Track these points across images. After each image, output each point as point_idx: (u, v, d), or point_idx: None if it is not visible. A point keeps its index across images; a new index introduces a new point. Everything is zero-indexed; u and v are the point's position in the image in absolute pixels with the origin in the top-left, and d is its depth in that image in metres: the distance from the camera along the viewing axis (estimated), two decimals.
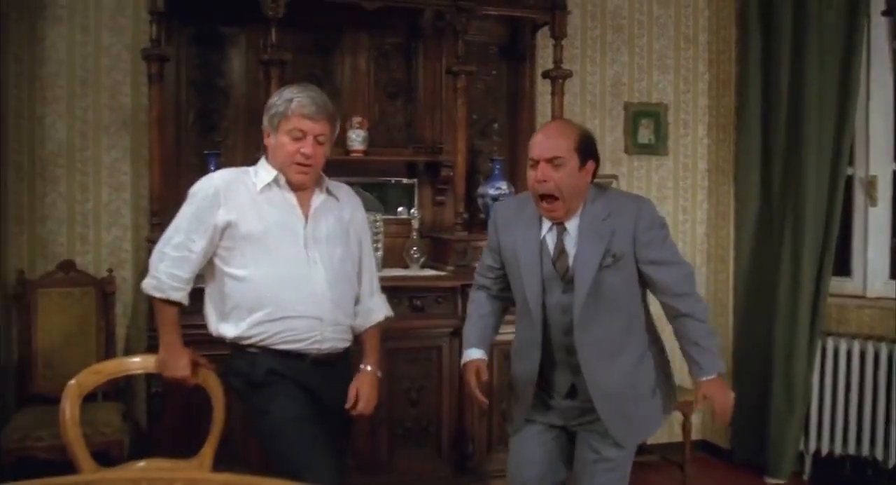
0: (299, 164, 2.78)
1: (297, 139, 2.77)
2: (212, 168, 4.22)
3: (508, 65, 5.02)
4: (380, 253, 4.45)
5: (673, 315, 2.83)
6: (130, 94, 4.53)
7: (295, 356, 2.79)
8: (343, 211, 2.96)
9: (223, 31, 4.53)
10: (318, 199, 2.89)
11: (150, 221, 4.17)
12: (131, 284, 4.50)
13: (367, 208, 4.56)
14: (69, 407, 2.80)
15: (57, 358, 4.18)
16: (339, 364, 2.90)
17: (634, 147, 5.36)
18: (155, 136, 4.15)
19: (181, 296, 2.81)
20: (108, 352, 4.27)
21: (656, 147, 5.40)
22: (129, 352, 4.39)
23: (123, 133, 4.53)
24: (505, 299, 3.03)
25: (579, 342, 2.75)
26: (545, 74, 4.78)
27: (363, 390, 2.94)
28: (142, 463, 2.96)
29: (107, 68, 4.51)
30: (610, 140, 5.30)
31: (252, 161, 4.44)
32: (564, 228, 2.78)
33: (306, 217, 2.85)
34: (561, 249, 2.78)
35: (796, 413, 4.75)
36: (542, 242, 2.81)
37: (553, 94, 4.71)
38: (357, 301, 2.99)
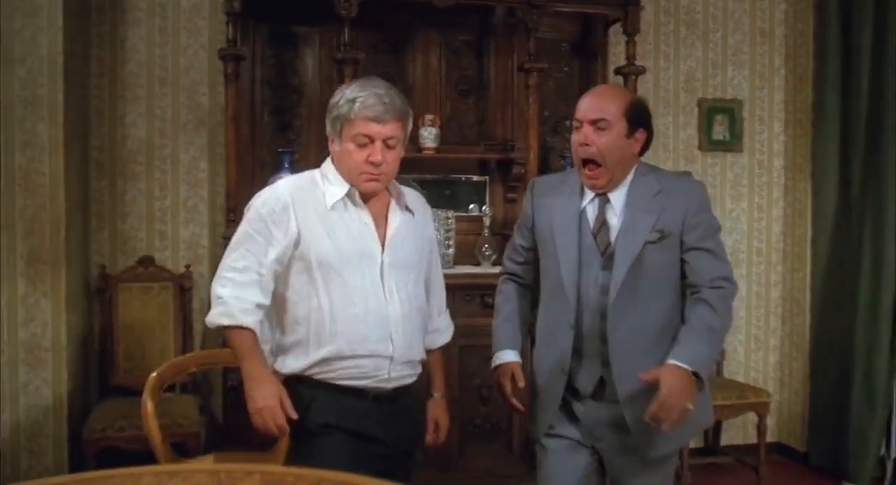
0: (368, 173, 2.45)
1: (363, 146, 2.43)
2: (286, 165, 4.31)
3: (580, 62, 4.99)
4: (451, 250, 4.46)
5: (691, 300, 2.53)
6: (207, 93, 4.63)
7: (356, 393, 2.47)
8: (419, 228, 2.64)
9: (297, 30, 4.59)
10: (395, 219, 2.56)
11: (227, 218, 4.26)
12: (208, 280, 4.55)
13: (439, 206, 4.61)
14: (150, 400, 2.87)
15: (137, 351, 4.29)
16: (403, 398, 2.56)
17: (708, 144, 5.28)
18: (231, 134, 4.23)
19: (253, 320, 2.42)
20: (186, 346, 4.37)
21: (731, 144, 5.31)
22: (205, 346, 4.49)
23: (201, 131, 4.62)
24: (535, 290, 2.79)
25: (613, 325, 2.49)
26: (617, 71, 4.74)
27: (441, 420, 2.74)
28: (215, 456, 3.03)
29: (185, 68, 4.61)
30: (683, 137, 5.24)
31: (325, 159, 4.54)
32: (607, 200, 2.56)
33: (383, 241, 2.51)
34: (602, 222, 2.56)
35: (877, 416, 4.62)
36: (582, 214, 2.58)
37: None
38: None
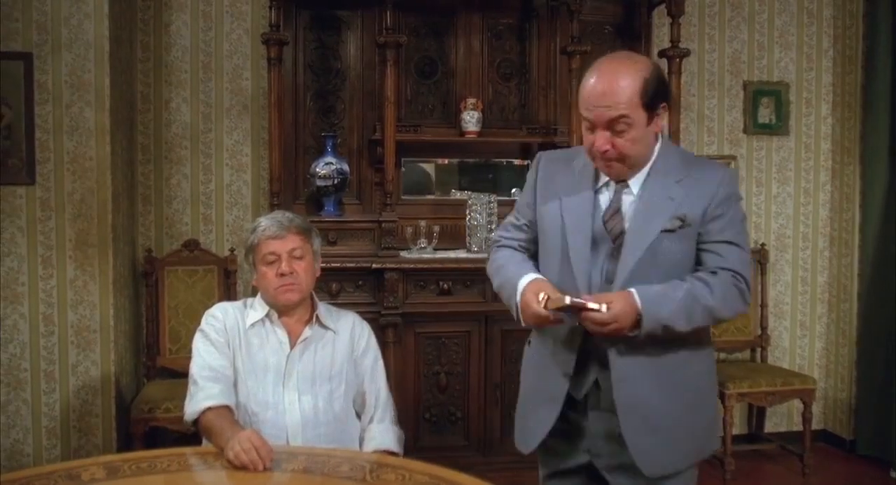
0: (282, 285, 2.66)
1: (271, 263, 2.67)
2: (328, 149, 4.35)
3: (623, 44, 4.92)
4: (493, 235, 4.44)
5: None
6: (251, 77, 4.66)
7: None
8: (339, 346, 2.77)
9: (339, 14, 4.59)
10: (305, 333, 2.72)
11: (270, 202, 4.29)
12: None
13: (481, 190, 4.59)
14: None
15: (182, 333, 4.34)
16: None
17: (754, 127, 5.21)
18: (274, 118, 4.25)
19: (215, 402, 2.54)
20: None
21: (777, 127, 5.24)
22: None
23: (244, 116, 4.66)
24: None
25: None
26: (661, 53, 4.68)
27: None
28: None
29: (228, 53, 4.64)
30: (728, 120, 5.17)
31: (367, 142, 4.56)
32: (626, 185, 2.26)
33: (289, 359, 2.68)
34: (616, 208, 2.26)
35: None
36: (596, 197, 2.29)
37: (670, 73, 4.60)
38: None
